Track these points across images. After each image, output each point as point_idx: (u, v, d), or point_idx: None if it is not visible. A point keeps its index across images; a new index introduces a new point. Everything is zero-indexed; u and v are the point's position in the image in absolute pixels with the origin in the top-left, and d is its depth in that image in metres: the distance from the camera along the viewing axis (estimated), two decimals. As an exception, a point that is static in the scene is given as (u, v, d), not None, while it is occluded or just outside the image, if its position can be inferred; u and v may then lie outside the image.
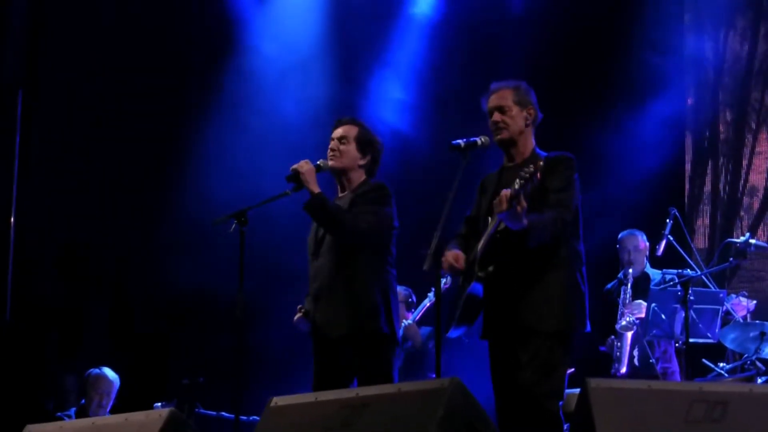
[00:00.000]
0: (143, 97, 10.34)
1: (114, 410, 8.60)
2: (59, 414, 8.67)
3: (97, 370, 8.81)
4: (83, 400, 8.81)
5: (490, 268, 5.68)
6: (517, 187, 5.38)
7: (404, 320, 8.93)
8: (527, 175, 5.40)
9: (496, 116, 5.89)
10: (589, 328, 5.76)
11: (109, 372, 8.81)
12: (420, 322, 9.30)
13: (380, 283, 6.26)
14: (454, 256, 5.79)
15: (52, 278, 10.13)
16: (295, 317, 6.37)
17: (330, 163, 6.40)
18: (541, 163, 5.44)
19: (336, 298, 6.21)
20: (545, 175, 5.53)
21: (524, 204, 5.38)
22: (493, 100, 5.93)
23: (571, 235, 5.74)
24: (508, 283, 5.69)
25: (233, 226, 6.26)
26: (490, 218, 5.66)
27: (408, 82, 10.68)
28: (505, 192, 5.38)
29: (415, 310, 9.20)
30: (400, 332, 8.72)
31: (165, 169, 10.27)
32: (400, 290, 8.98)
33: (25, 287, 9.94)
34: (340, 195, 6.45)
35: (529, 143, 5.91)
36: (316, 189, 6.17)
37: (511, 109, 5.87)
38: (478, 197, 6.03)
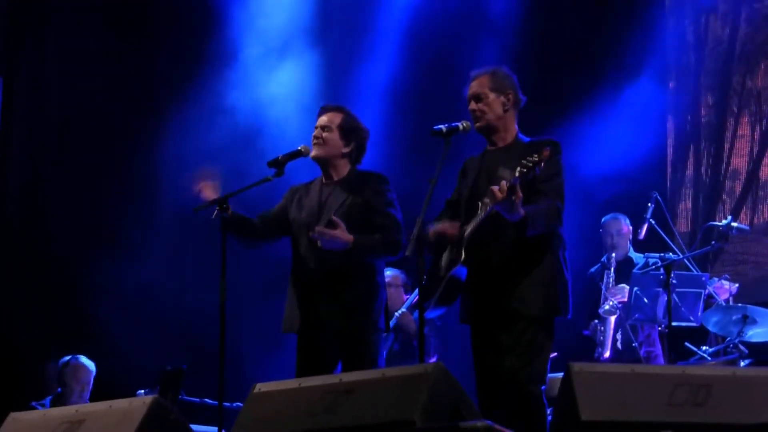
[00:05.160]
0: (122, 88, 10.33)
1: (94, 398, 8.56)
2: (33, 404, 8.60)
3: (74, 359, 8.74)
4: (59, 389, 8.75)
5: (477, 254, 5.68)
6: (517, 175, 5.37)
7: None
8: (530, 164, 5.38)
9: (473, 105, 5.92)
10: (571, 314, 5.78)
11: (85, 360, 8.77)
12: (416, 305, 9.28)
13: (376, 272, 6.32)
14: (446, 225, 5.79)
15: (30, 266, 10.09)
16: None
17: (312, 153, 6.39)
18: (547, 153, 5.42)
19: (339, 289, 6.21)
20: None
21: (521, 195, 5.37)
22: (470, 89, 5.97)
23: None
24: (494, 268, 5.70)
25: (215, 212, 6.24)
26: (480, 203, 5.64)
27: (392, 64, 10.65)
28: (503, 183, 5.36)
29: (410, 293, 9.17)
30: (393, 321, 8.73)
31: (145, 155, 10.22)
32: (397, 274, 8.99)
33: (4, 274, 9.91)
34: (326, 182, 6.44)
35: (510, 128, 5.92)
36: (350, 238, 6.13)
37: (488, 96, 5.89)
38: (459, 180, 6.03)
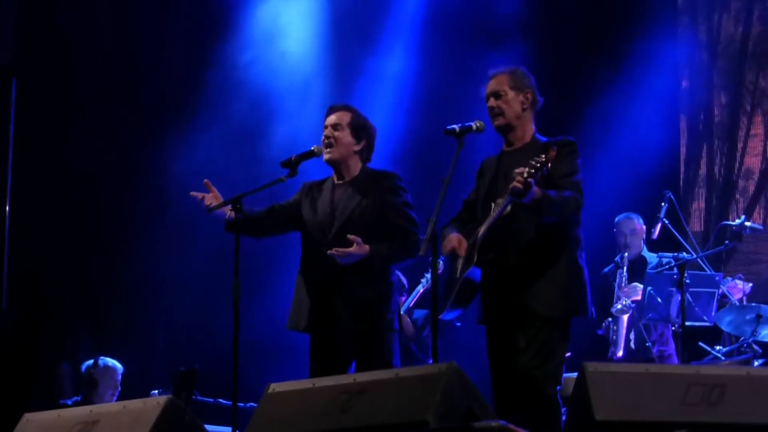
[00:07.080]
0: (137, 84, 10.34)
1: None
2: (62, 401, 8.64)
3: (104, 360, 8.77)
4: (84, 391, 8.76)
5: (491, 255, 5.68)
6: (525, 175, 5.35)
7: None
8: (538, 164, 5.37)
9: (492, 102, 5.90)
10: (590, 314, 5.76)
11: (114, 361, 8.80)
12: (415, 306, 9.29)
13: (390, 272, 6.33)
14: (457, 239, 5.80)
15: (47, 266, 10.10)
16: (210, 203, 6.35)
17: (326, 156, 6.38)
18: (553, 152, 5.42)
19: (353, 289, 6.21)
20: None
21: (531, 180, 5.35)
22: (489, 86, 5.94)
23: (572, 219, 5.73)
24: (508, 269, 5.69)
25: (227, 213, 6.25)
26: (493, 204, 5.65)
27: (403, 64, 10.64)
28: (519, 179, 5.36)
29: (408, 296, 9.16)
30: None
31: (158, 151, 10.22)
32: None
33: (20, 275, 9.91)
34: (338, 182, 6.44)
35: (528, 128, 5.91)
36: (366, 250, 6.14)
37: (507, 94, 5.88)
38: (477, 181, 6.03)
